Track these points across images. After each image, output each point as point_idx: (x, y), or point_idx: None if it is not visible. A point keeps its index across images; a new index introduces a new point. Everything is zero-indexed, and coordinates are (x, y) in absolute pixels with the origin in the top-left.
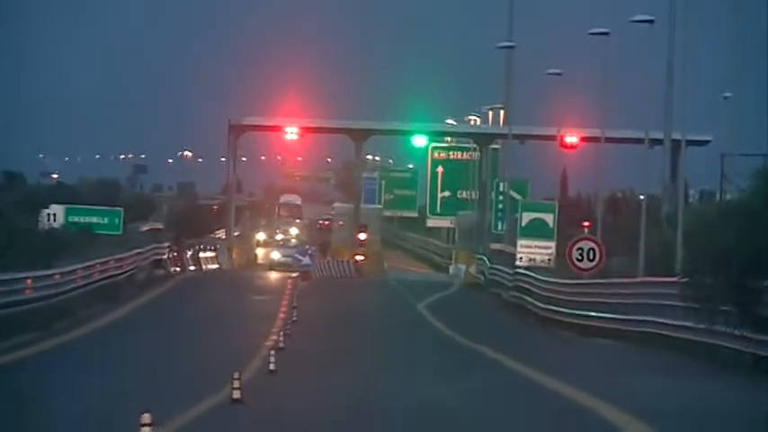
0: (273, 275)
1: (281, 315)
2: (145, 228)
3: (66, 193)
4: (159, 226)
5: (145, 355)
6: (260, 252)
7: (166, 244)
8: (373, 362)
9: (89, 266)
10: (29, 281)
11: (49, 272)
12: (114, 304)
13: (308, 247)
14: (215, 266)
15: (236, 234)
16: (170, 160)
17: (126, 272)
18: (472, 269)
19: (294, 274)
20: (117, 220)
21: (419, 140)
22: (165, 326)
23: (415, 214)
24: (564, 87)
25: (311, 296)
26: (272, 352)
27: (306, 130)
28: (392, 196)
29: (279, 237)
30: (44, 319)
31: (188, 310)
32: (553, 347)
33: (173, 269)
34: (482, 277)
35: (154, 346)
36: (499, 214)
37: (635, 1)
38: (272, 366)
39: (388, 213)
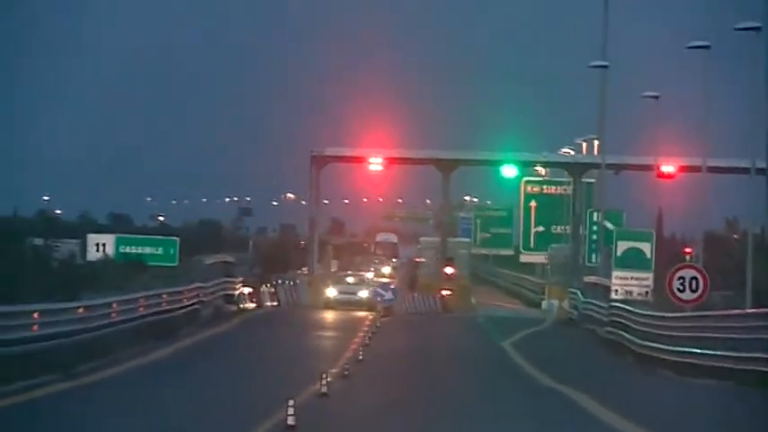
0: (357, 313)
1: (349, 354)
2: (210, 260)
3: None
4: (229, 259)
5: (158, 403)
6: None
7: (239, 278)
8: (437, 410)
9: (128, 300)
10: (35, 314)
11: (69, 305)
12: (164, 342)
13: (389, 281)
14: (273, 303)
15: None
16: (274, 203)
17: (184, 306)
18: (565, 304)
19: (362, 313)
20: (172, 251)
21: (509, 171)
22: (205, 367)
23: (510, 252)
24: (661, 111)
25: (388, 333)
26: (291, 403)
27: (390, 161)
28: (488, 235)
29: (369, 275)
30: (64, 359)
31: (240, 349)
32: (654, 391)
33: (248, 304)
34: (575, 312)
35: (179, 390)
36: (593, 246)
37: (740, 14)
38: (290, 421)
39: (483, 251)
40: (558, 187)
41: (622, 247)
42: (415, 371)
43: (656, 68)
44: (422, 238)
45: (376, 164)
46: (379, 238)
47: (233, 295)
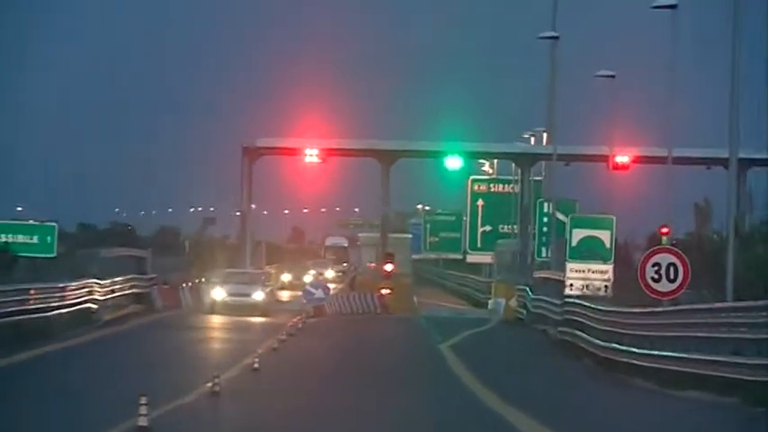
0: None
1: (246, 361)
2: (109, 254)
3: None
4: (138, 253)
5: None
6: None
7: (150, 276)
8: None
9: None
10: None
11: None
12: (21, 347)
13: (322, 278)
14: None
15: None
16: (237, 213)
17: (67, 305)
18: (513, 302)
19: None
20: (50, 239)
21: (453, 162)
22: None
23: (459, 256)
24: (618, 93)
25: (309, 336)
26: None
27: (328, 153)
28: (437, 239)
29: (307, 278)
30: None
31: (101, 360)
32: (636, 413)
33: (161, 305)
34: (524, 311)
35: None
36: (543, 239)
37: None
38: None
39: (432, 255)
40: (506, 185)
41: (578, 235)
42: (319, 383)
43: (614, 44)
44: (361, 234)
45: (312, 155)
46: (329, 242)
47: (144, 294)
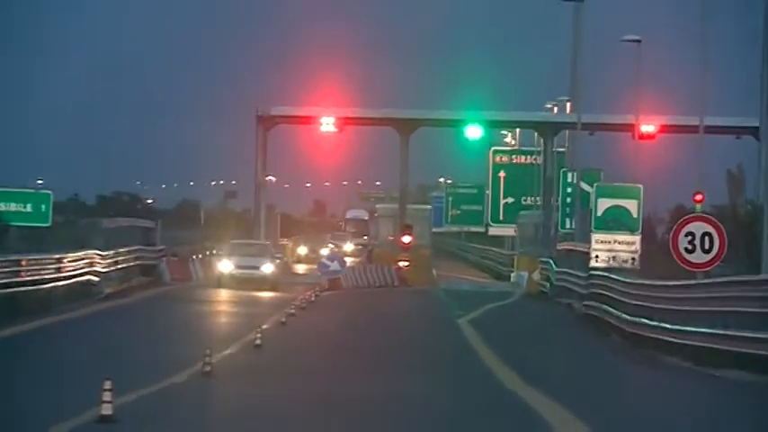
0: (295, 287)
1: (249, 337)
2: (112, 224)
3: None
4: (144, 223)
5: None
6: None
7: (158, 247)
8: None
9: None
10: None
11: None
12: (11, 321)
13: (339, 251)
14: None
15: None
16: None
17: (63, 278)
18: (536, 275)
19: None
20: (44, 207)
21: (473, 131)
22: (14, 362)
23: (481, 229)
24: (645, 58)
25: (323, 309)
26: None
27: (344, 122)
28: (459, 212)
29: (324, 251)
30: None
31: (94, 335)
32: (670, 393)
33: (170, 277)
34: (547, 284)
35: None
36: (567, 210)
37: None
38: None
39: (454, 228)
40: (529, 157)
41: (604, 205)
42: (324, 364)
43: (641, 6)
44: (378, 205)
45: (328, 124)
46: (349, 215)
47: (152, 266)
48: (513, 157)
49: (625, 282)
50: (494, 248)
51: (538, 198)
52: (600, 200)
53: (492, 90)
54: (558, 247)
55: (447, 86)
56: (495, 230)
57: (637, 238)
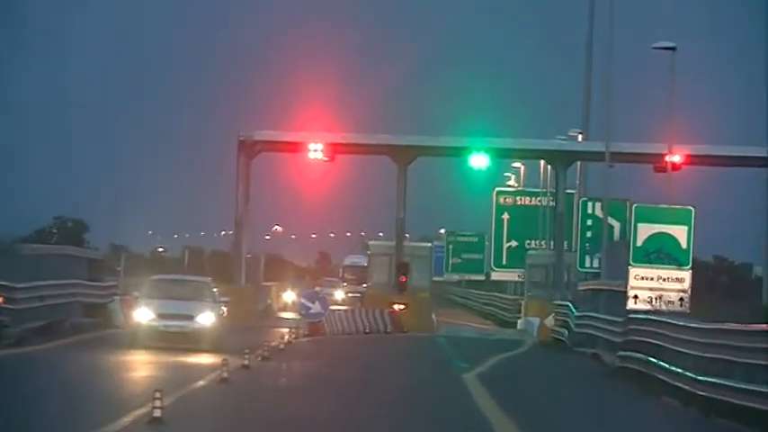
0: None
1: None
2: (34, 252)
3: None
4: (89, 255)
5: None
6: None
7: (109, 284)
8: None
9: None
10: None
11: None
12: None
13: (317, 289)
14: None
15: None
16: (267, 237)
17: None
18: (549, 321)
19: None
20: None
21: (478, 160)
22: None
23: (482, 277)
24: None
25: (290, 361)
26: None
27: (335, 149)
28: (459, 260)
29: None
30: None
31: None
32: None
33: (124, 320)
34: (565, 332)
35: None
36: (587, 246)
37: None
38: None
39: (455, 276)
40: (533, 198)
41: (645, 232)
42: None
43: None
44: (371, 242)
45: (317, 151)
46: (347, 261)
47: (98, 305)
48: (518, 198)
49: (687, 327)
50: (498, 294)
51: (543, 242)
52: (640, 225)
53: (497, 119)
54: (580, 288)
55: (449, 113)
56: (498, 275)
57: (687, 274)
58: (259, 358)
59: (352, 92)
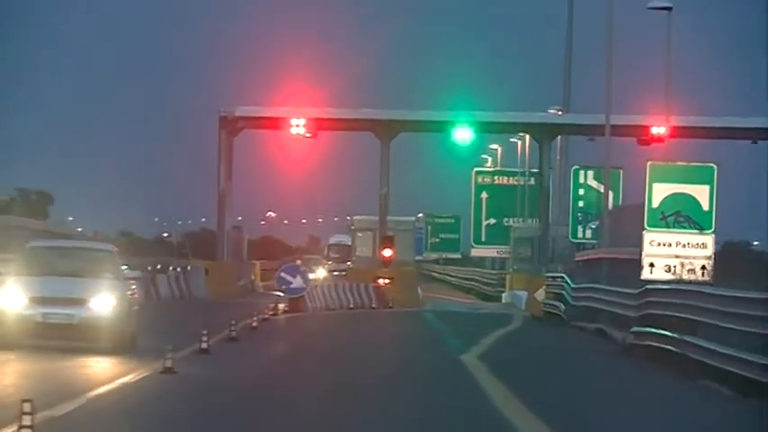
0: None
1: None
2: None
3: None
4: (36, 225)
5: None
6: None
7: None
8: None
9: None
10: None
11: None
12: None
13: (299, 262)
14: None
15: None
16: (262, 222)
17: None
18: (539, 294)
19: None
20: None
21: (462, 134)
22: None
23: (458, 255)
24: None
25: (263, 341)
26: None
27: (317, 125)
28: (437, 240)
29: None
30: None
31: None
32: None
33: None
34: (561, 305)
35: None
36: (579, 216)
37: None
38: None
39: (434, 255)
40: (511, 177)
41: (662, 192)
42: None
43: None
44: (355, 217)
45: (299, 126)
46: (332, 240)
47: None
48: (496, 177)
49: (735, 297)
50: (479, 269)
51: (520, 220)
52: (655, 185)
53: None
54: (577, 258)
55: (432, 89)
56: (477, 251)
57: (710, 239)
58: (225, 341)
59: (335, 66)
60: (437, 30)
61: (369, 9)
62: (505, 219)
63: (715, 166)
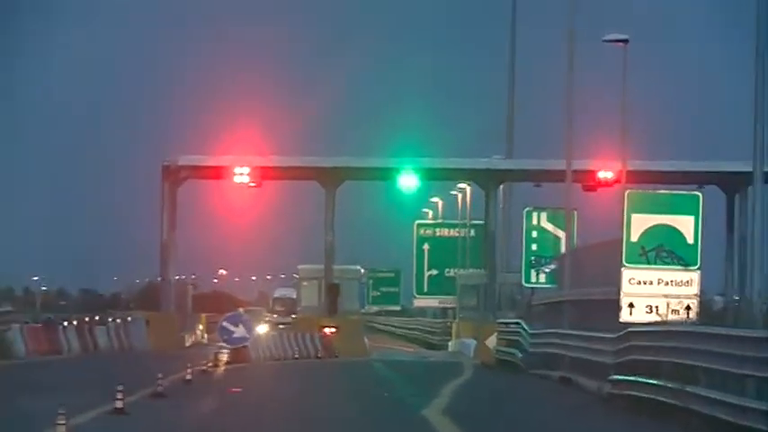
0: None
1: None
2: None
3: None
4: None
5: None
6: None
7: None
8: None
9: None
10: None
11: None
12: None
13: (241, 311)
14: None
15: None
16: (215, 280)
17: None
18: (491, 341)
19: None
20: None
21: (408, 180)
22: None
23: (398, 308)
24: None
25: (190, 399)
26: None
27: (262, 173)
28: (378, 293)
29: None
30: None
31: None
32: None
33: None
34: (517, 352)
35: None
36: (532, 260)
37: None
38: None
39: (375, 308)
40: (452, 230)
41: (642, 224)
42: None
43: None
44: (300, 266)
45: (242, 174)
46: (277, 293)
47: None
48: (437, 230)
49: (742, 336)
50: (422, 318)
51: (461, 270)
52: (634, 216)
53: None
54: (534, 303)
55: (378, 136)
56: (420, 302)
57: (696, 275)
58: (150, 397)
59: (280, 114)
60: (382, 76)
61: (314, 57)
62: (447, 269)
63: (700, 195)
